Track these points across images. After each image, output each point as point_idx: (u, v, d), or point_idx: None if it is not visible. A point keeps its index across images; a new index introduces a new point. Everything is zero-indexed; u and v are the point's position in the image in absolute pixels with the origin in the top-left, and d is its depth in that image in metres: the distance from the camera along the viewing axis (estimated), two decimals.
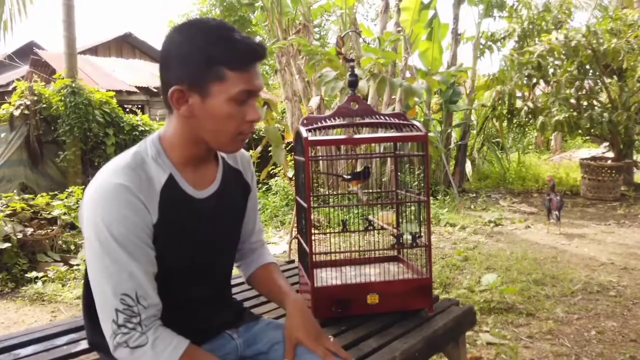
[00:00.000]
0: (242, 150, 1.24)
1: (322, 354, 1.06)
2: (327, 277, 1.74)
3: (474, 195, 7.28)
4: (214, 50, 0.95)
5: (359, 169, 2.23)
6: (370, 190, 2.18)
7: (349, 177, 1.89)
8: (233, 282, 1.35)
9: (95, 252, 0.94)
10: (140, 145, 1.05)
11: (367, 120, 1.73)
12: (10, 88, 8.95)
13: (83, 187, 5.65)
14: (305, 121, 1.69)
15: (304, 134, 1.58)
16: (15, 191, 6.12)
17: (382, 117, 1.73)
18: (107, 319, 0.95)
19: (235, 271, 1.33)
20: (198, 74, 0.96)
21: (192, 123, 1.01)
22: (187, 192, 1.05)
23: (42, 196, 4.92)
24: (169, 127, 1.05)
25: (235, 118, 0.99)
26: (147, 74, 12.36)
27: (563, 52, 6.66)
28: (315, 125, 1.66)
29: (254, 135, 7.80)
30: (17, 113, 6.78)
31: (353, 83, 1.75)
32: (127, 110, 7.99)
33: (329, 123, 1.68)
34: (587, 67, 7.02)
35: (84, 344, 1.42)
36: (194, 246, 1.08)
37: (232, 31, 0.97)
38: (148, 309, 0.96)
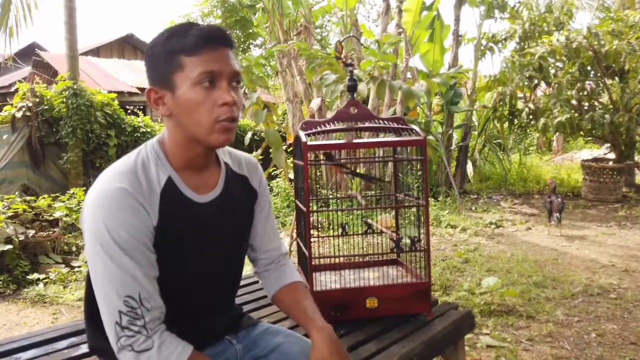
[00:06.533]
0: (249, 156, 1.25)
1: None
2: (326, 281, 1.74)
3: (475, 196, 7.27)
4: (170, 42, 1.00)
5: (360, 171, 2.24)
6: (370, 194, 2.18)
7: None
8: None
9: (97, 257, 0.95)
10: (141, 149, 1.07)
11: (366, 124, 1.74)
12: (12, 89, 8.98)
13: (85, 188, 5.67)
14: (304, 125, 1.70)
15: (303, 138, 1.59)
16: (17, 193, 6.15)
17: (381, 121, 1.74)
18: (110, 322, 0.95)
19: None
20: (162, 69, 1.01)
21: (175, 122, 1.04)
22: (187, 196, 1.06)
23: (43, 198, 4.93)
24: (166, 131, 1.08)
25: (204, 104, 0.99)
26: None
27: (564, 53, 6.65)
28: (314, 130, 1.67)
29: (256, 137, 7.78)
30: (19, 115, 6.80)
31: (352, 87, 1.76)
32: (129, 111, 8.01)
33: (328, 127, 1.69)
34: (589, 68, 7.01)
35: (84, 348, 1.43)
36: (195, 251, 1.07)
37: (190, 24, 1.02)
38: (152, 312, 0.97)
